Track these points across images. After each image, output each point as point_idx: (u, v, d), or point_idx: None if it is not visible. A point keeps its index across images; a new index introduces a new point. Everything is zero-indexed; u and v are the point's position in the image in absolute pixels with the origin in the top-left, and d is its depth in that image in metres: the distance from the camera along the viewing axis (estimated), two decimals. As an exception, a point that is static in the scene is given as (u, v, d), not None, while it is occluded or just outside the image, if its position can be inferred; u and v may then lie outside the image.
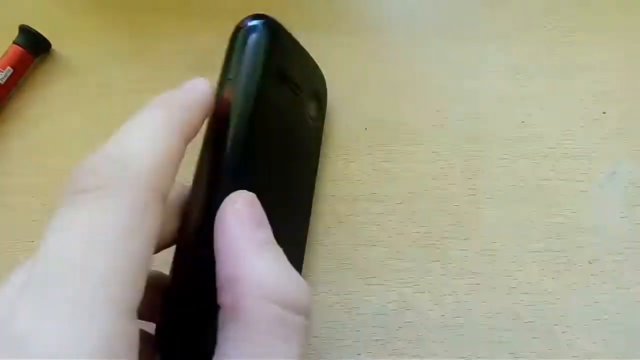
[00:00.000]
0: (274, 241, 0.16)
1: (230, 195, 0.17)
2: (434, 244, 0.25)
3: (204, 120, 0.18)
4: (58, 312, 0.11)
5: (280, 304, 0.14)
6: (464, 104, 0.28)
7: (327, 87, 0.27)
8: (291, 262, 0.16)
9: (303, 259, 0.24)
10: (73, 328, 0.11)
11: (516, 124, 0.27)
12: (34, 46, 0.29)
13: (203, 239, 0.16)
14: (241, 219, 0.16)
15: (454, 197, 0.26)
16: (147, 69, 0.29)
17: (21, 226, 0.27)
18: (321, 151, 0.26)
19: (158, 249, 0.18)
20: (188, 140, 0.17)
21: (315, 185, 0.26)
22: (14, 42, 0.29)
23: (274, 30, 0.20)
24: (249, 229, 0.16)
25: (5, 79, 0.28)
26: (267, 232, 0.16)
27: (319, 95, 0.26)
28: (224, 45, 0.29)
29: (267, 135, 0.20)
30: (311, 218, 0.26)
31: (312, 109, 0.25)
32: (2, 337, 0.11)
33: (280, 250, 0.16)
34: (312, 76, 0.25)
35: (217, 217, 0.16)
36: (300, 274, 0.23)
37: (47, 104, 0.29)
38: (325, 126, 0.27)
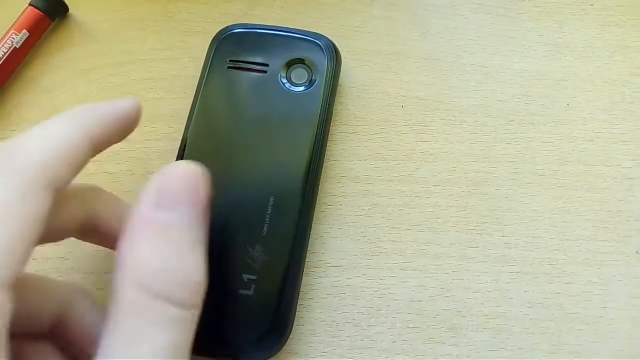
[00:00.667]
0: (183, 226, 0.16)
1: (174, 163, 0.17)
2: (474, 229, 0.24)
3: (121, 135, 0.18)
4: None
5: (152, 293, 0.14)
6: (505, 84, 0.26)
7: (361, 62, 0.25)
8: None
9: (304, 227, 0.22)
10: None
11: (561, 106, 0.26)
12: (50, 9, 0.27)
13: None
14: (156, 193, 0.16)
15: (495, 181, 0.25)
16: (170, 36, 0.28)
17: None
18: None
19: (57, 238, 0.19)
20: (96, 148, 0.17)
21: (346, 164, 0.25)
22: (30, 4, 0.27)
23: (228, 34, 0.25)
24: (155, 207, 0.16)
25: (21, 42, 0.26)
26: (172, 215, 0.16)
27: (305, 61, 0.25)
28: (252, 12, 0.28)
29: (219, 117, 0.23)
30: (344, 199, 0.24)
31: (293, 75, 0.24)
32: None
33: (183, 235, 0.16)
34: (288, 48, 0.25)
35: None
36: (299, 250, 0.21)
37: (64, 71, 0.28)
38: (358, 103, 0.26)
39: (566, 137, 0.25)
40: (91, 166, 0.25)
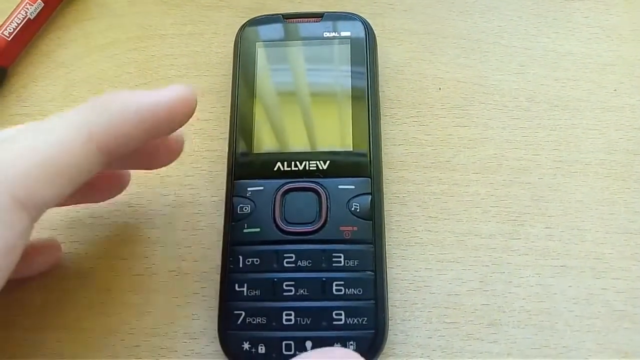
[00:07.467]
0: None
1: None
2: (515, 219, 0.23)
3: (158, 130, 0.16)
4: None
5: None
6: (548, 67, 0.25)
7: (396, 42, 0.24)
8: None
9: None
10: None
11: (607, 92, 0.24)
12: (67, -21, 0.26)
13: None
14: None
15: (537, 169, 0.23)
16: (192, 11, 0.26)
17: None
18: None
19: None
20: (108, 150, 0.15)
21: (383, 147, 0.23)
22: (45, -27, 0.26)
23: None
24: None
25: (36, 13, 0.25)
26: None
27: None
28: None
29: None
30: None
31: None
32: None
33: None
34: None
35: None
36: None
37: (79, 46, 0.26)
38: (392, 84, 0.24)
39: (613, 125, 0.24)
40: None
